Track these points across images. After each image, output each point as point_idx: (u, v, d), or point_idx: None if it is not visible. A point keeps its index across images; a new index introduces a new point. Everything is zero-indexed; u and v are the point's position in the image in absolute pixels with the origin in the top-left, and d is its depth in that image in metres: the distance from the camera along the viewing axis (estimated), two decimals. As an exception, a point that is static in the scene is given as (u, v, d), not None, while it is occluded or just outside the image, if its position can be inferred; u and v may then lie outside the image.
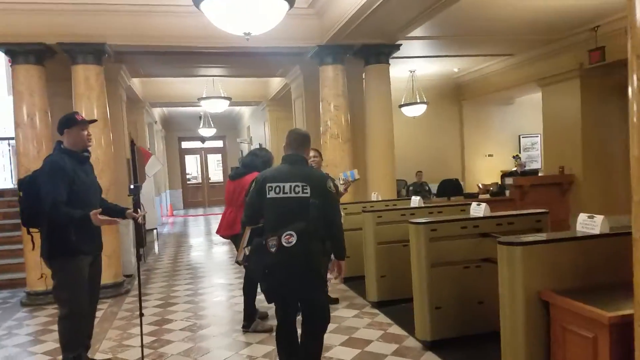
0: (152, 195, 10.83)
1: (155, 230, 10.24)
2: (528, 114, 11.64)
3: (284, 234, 2.60)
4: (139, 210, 3.76)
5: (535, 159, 12.16)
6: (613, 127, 8.34)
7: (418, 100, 9.80)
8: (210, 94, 8.96)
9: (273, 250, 2.61)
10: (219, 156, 19.33)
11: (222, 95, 8.90)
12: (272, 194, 2.76)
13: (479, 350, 3.38)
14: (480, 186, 10.69)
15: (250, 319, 4.12)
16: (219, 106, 9.05)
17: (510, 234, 3.45)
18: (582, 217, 2.52)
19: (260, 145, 12.64)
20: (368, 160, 6.69)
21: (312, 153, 4.52)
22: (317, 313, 2.85)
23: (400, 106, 9.79)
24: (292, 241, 2.59)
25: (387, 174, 6.53)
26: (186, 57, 6.93)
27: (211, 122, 14.51)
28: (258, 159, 4.10)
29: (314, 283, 2.77)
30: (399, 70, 9.57)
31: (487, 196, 8.73)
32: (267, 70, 8.06)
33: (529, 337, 2.18)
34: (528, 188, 8.31)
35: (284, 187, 2.73)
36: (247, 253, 2.77)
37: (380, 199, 5.67)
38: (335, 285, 5.42)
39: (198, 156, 18.89)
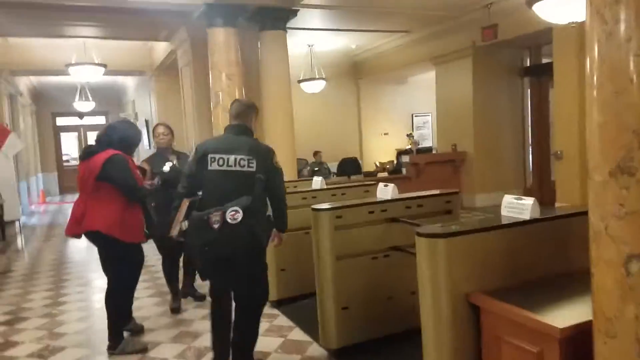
0: (14, 181, 9.19)
1: (17, 222, 8.72)
2: (420, 93, 11.90)
3: (229, 210, 2.45)
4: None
5: (427, 137, 12.54)
6: (502, 106, 8.72)
7: (317, 76, 9.42)
8: (82, 60, 7.67)
9: (216, 226, 2.45)
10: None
11: (96, 62, 7.66)
12: (214, 166, 2.62)
13: (395, 355, 3.00)
14: (378, 164, 10.72)
15: (118, 338, 3.25)
16: (92, 75, 7.79)
17: (420, 217, 3.22)
18: (507, 199, 2.22)
19: (146, 121, 11.41)
20: (266, 138, 6.14)
21: (160, 129, 3.98)
22: (257, 288, 2.73)
23: (299, 81, 9.35)
24: (238, 218, 2.44)
25: (287, 154, 6.06)
26: (50, 13, 5.73)
27: (89, 95, 12.79)
28: (115, 133, 3.23)
29: (257, 259, 2.68)
30: (297, 44, 9.09)
31: (386, 174, 8.69)
32: (149, 32, 7.02)
33: (457, 352, 1.83)
34: (423, 166, 8.41)
35: (228, 159, 2.59)
36: (184, 228, 2.64)
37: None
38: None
39: (76, 134, 16.75)
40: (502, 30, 7.54)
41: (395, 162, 9.82)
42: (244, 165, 2.59)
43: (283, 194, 2.83)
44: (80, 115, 15.33)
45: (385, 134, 11.77)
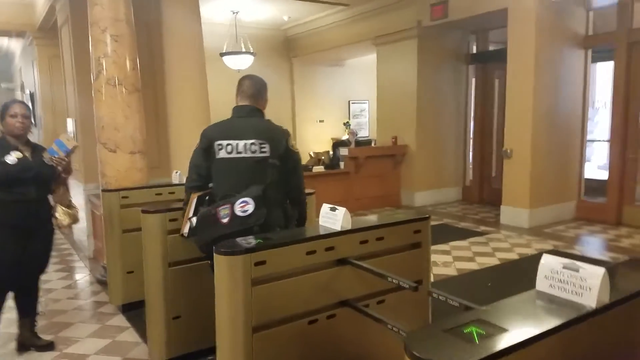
0: None
1: None
2: (357, 78, 11.02)
3: (238, 202, 2.23)
4: None
5: (363, 126, 11.64)
6: (447, 95, 7.93)
7: (243, 50, 8.05)
8: None
9: (225, 220, 2.23)
10: (-18, 107, 14.61)
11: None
12: (222, 154, 2.40)
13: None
14: (312, 155, 9.62)
15: None
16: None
17: (380, 256, 2.16)
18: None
19: (31, 94, 9.37)
20: (170, 124, 4.77)
21: (17, 108, 2.86)
22: None
23: (222, 54, 7.93)
24: (248, 210, 2.21)
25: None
26: None
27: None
28: None
29: None
30: (219, 11, 7.67)
31: (322, 168, 7.60)
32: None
33: None
34: (363, 160, 7.42)
35: (237, 145, 2.38)
36: (194, 225, 2.39)
37: (183, 181, 3.84)
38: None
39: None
40: (453, 9, 6.67)
41: (331, 153, 8.76)
42: (255, 151, 2.38)
43: (301, 182, 2.56)
44: (-47, 83, 12.69)
45: (320, 121, 10.70)
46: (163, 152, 5.07)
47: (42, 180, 2.79)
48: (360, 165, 7.41)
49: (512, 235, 5.86)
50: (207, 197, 2.46)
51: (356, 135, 9.02)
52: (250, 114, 2.48)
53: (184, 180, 3.85)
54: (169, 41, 4.64)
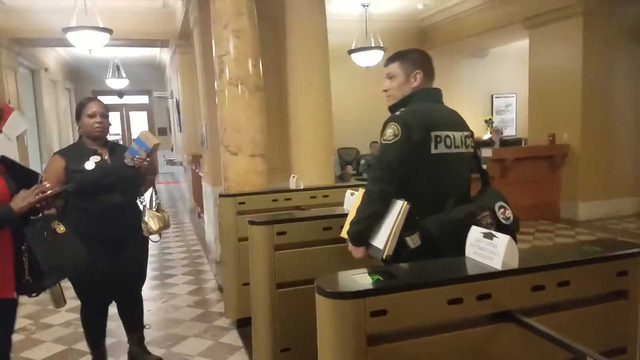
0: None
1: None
2: (502, 70, 9.81)
3: (497, 206, 1.87)
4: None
5: (509, 123, 10.32)
6: (620, 85, 6.44)
7: (373, 45, 7.55)
8: (82, 23, 6.34)
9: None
10: (144, 114, 16.54)
11: (99, 26, 6.30)
12: (441, 148, 1.89)
13: None
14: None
15: None
16: (95, 41, 6.45)
17: (563, 310, 1.44)
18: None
19: (177, 101, 10.08)
20: (291, 125, 4.47)
21: (95, 107, 2.54)
22: None
23: (350, 52, 7.53)
24: (510, 215, 1.88)
25: (318, 148, 4.34)
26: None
27: (122, 72, 11.75)
28: None
29: None
30: (349, 5, 7.26)
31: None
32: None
33: None
34: (511, 162, 6.35)
35: (454, 138, 1.93)
36: (415, 243, 1.82)
37: (301, 186, 3.46)
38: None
39: (118, 114, 15.98)
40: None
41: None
42: (469, 145, 2.02)
43: None
44: (120, 94, 14.44)
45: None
46: (284, 154, 4.81)
47: (125, 184, 2.54)
48: (508, 169, 6.36)
49: None
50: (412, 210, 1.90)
51: (501, 133, 7.91)
52: (442, 99, 2.06)
53: (300, 185, 3.58)
54: (292, 37, 4.33)
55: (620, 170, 6.54)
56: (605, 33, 6.19)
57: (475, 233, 1.49)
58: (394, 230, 1.84)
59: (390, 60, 2.11)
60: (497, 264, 1.39)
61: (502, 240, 1.40)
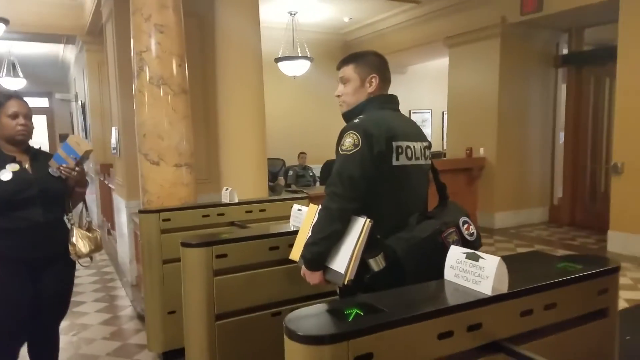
0: None
1: None
2: (420, 86, 10.23)
3: (461, 222, 1.73)
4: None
5: (426, 137, 10.75)
6: (532, 102, 6.91)
7: (300, 54, 7.40)
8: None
9: None
10: (43, 118, 14.95)
11: (-9, 17, 5.48)
12: (402, 160, 1.75)
13: None
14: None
15: None
16: (-14, 33, 5.62)
17: (549, 335, 1.32)
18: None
19: (82, 103, 9.16)
20: (221, 132, 4.13)
21: (16, 105, 2.12)
22: None
23: (277, 60, 7.32)
24: (474, 232, 1.75)
25: (253, 158, 4.05)
26: None
27: (19, 71, 10.48)
28: None
29: None
30: (276, 12, 7.09)
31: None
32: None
33: None
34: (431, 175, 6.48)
35: (414, 148, 1.80)
36: (379, 266, 1.64)
37: (236, 200, 3.14)
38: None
39: (12, 118, 14.26)
40: (549, 1, 5.69)
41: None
42: (427, 157, 1.88)
43: None
44: (16, 96, 12.90)
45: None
46: (213, 163, 4.44)
47: (49, 198, 2.13)
48: (428, 181, 6.49)
49: (630, 268, 4.78)
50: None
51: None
52: (398, 106, 1.92)
53: (234, 199, 3.26)
54: (222, 36, 4.01)
55: (531, 182, 6.99)
56: (520, 54, 6.60)
57: (456, 254, 1.33)
58: (355, 251, 1.65)
59: (344, 62, 1.94)
60: (486, 289, 1.23)
61: (491, 262, 1.24)
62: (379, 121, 1.76)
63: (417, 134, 1.87)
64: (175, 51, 3.52)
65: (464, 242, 1.69)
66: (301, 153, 7.80)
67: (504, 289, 1.24)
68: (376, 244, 1.66)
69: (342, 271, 1.64)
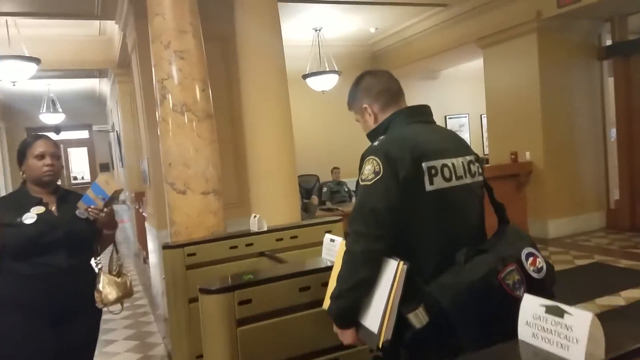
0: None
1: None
2: (454, 91, 9.88)
3: (524, 254, 1.38)
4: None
5: (464, 143, 10.33)
6: (577, 99, 6.44)
7: (327, 69, 7.24)
8: (5, 53, 5.62)
9: (519, 292, 1.28)
10: (84, 150, 15.48)
11: (24, 55, 5.59)
12: (438, 183, 1.44)
13: None
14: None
15: None
16: (20, 72, 5.74)
17: None
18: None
19: (117, 134, 9.32)
20: (249, 155, 3.97)
21: (43, 146, 2.05)
22: None
23: (305, 76, 7.18)
24: (542, 265, 1.39)
25: (283, 179, 3.85)
26: None
27: (58, 106, 10.85)
28: None
29: None
30: (300, 29, 6.98)
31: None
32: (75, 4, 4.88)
33: None
34: (477, 183, 6.12)
35: (454, 166, 1.49)
36: (421, 321, 1.32)
37: (265, 227, 2.94)
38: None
39: (55, 151, 14.81)
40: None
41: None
42: (475, 173, 1.55)
43: None
44: (56, 129, 13.38)
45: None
46: (243, 186, 4.29)
47: (75, 241, 2.00)
48: (475, 190, 6.12)
49: None
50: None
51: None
52: (433, 118, 1.65)
53: (263, 227, 3.00)
54: (245, 59, 3.87)
55: (584, 185, 6.48)
56: (559, 49, 6.18)
57: (533, 306, 1.03)
58: (390, 304, 1.35)
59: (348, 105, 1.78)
60: (577, 356, 0.94)
61: (582, 319, 0.94)
62: (402, 140, 1.49)
63: (457, 147, 1.57)
64: (197, 76, 3.40)
65: (529, 282, 1.36)
66: (334, 168, 7.59)
67: (600, 354, 0.95)
68: (415, 292, 1.37)
69: (376, 330, 1.36)
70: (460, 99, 9.93)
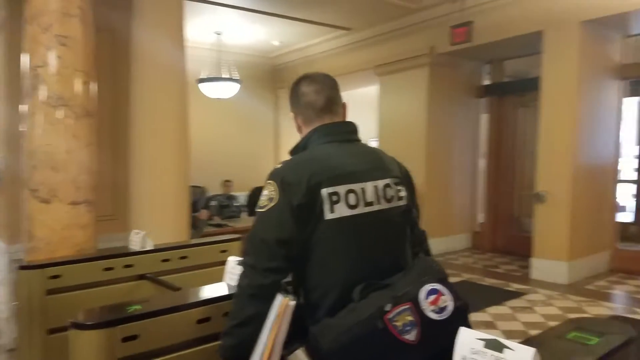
0: None
1: None
2: (351, 114, 10.09)
3: (424, 292, 1.20)
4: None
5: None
6: (458, 131, 7.00)
7: (225, 76, 6.96)
8: None
9: (411, 337, 1.15)
10: None
11: None
12: (340, 211, 1.32)
13: None
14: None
15: None
16: None
17: None
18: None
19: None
20: (132, 161, 3.56)
21: None
22: None
23: (200, 81, 6.81)
24: (447, 304, 1.21)
25: (171, 191, 3.50)
26: None
27: None
28: None
29: None
30: (200, 31, 6.62)
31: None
32: None
33: None
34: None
35: (364, 191, 1.37)
36: None
37: (149, 246, 2.59)
38: None
39: None
40: (478, 31, 5.79)
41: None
42: (392, 197, 1.41)
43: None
44: None
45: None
46: (120, 197, 3.81)
47: None
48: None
49: (554, 295, 4.86)
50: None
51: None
52: (355, 134, 1.54)
53: (147, 245, 2.59)
54: (139, 52, 3.48)
55: (456, 208, 7.04)
56: (447, 84, 6.68)
57: (470, 340, 0.95)
58: (269, 343, 1.22)
59: None
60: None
61: (523, 354, 0.88)
62: (302, 163, 1.38)
63: (372, 170, 1.43)
64: (80, 67, 2.93)
65: (427, 324, 1.19)
66: (226, 181, 7.27)
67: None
68: (305, 332, 1.24)
69: None
70: (355, 121, 10.27)
